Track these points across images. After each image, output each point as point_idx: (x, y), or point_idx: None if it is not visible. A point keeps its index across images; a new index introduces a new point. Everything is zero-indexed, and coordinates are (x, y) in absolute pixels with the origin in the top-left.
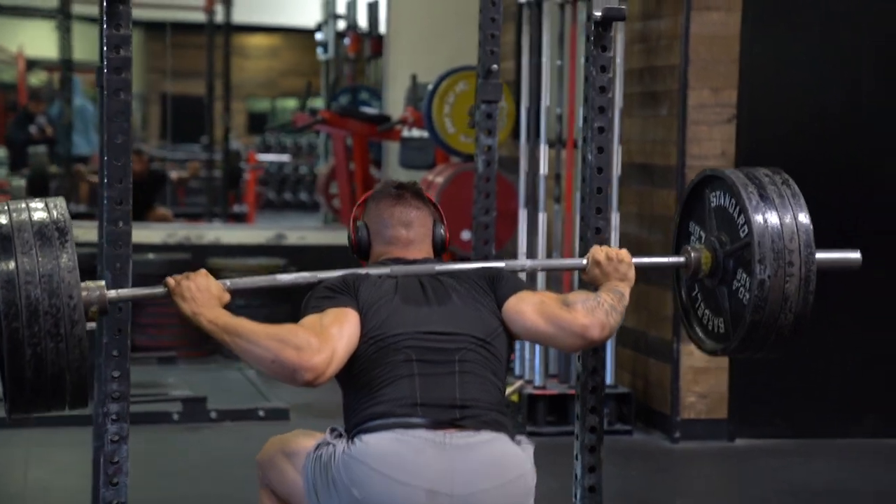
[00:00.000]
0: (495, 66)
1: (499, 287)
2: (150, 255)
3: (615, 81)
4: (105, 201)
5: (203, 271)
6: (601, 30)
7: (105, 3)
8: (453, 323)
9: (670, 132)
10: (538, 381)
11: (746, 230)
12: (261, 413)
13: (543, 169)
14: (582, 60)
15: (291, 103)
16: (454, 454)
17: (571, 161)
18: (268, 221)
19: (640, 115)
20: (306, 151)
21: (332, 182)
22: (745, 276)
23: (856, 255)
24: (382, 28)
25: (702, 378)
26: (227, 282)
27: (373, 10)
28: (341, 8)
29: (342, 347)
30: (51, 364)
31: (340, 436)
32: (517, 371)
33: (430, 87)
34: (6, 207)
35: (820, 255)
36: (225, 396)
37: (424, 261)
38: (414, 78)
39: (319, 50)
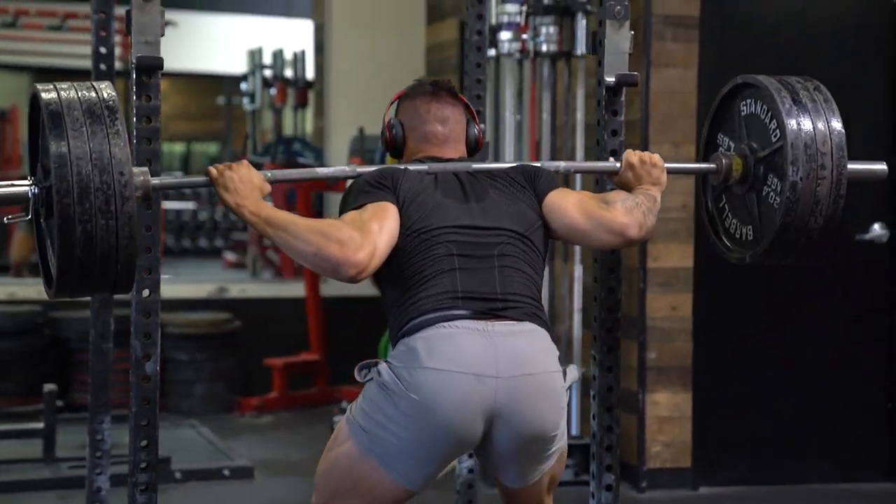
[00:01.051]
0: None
1: (538, 182)
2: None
3: (577, 134)
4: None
5: (245, 162)
6: (612, 95)
7: (136, 75)
8: (493, 217)
9: None
10: None
11: (779, 134)
12: (226, 472)
13: None
14: (544, 116)
15: (178, 148)
16: (497, 340)
17: None
18: (169, 269)
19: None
20: (206, 198)
21: None
22: (776, 180)
23: (882, 166)
24: (309, 76)
25: (666, 427)
26: (268, 173)
27: (299, 60)
28: (267, 58)
29: (383, 243)
30: (100, 242)
31: (375, 364)
32: None
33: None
34: (54, 86)
35: (849, 166)
36: (186, 455)
37: (460, 160)
38: (361, 130)
39: (245, 100)
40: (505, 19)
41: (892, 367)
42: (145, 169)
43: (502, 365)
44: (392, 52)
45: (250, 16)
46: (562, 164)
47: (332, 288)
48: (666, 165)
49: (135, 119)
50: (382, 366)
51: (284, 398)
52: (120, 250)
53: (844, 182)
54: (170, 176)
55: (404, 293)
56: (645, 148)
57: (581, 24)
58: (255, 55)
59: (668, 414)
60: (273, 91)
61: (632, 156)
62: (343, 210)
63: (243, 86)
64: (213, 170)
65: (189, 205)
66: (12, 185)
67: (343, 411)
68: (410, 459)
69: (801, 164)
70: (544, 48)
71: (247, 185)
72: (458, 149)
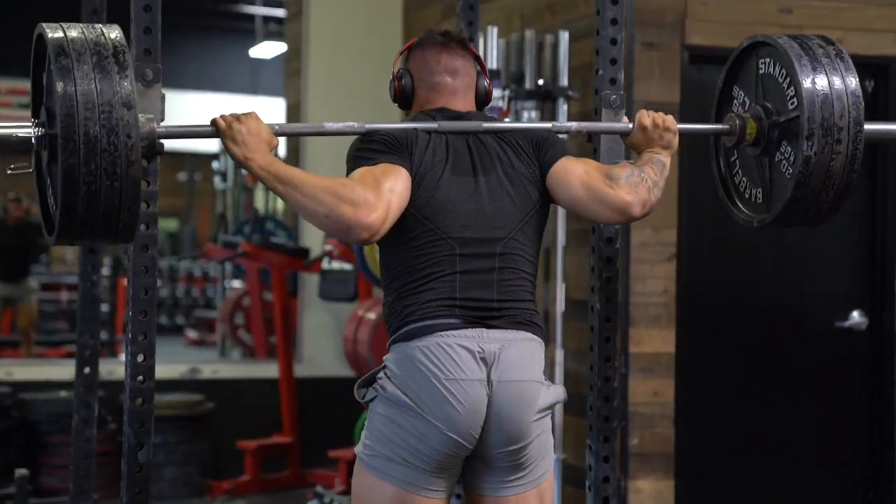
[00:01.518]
0: None
1: (544, 153)
2: (62, 393)
3: (558, 218)
4: (129, 356)
5: (254, 113)
6: None
7: None
8: (498, 206)
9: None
10: None
11: (796, 103)
12: None
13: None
14: None
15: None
16: (489, 347)
17: None
18: None
19: (580, 252)
20: (167, 274)
21: (237, 312)
22: (789, 149)
23: None
24: (281, 155)
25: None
26: (276, 125)
27: None
28: None
29: (395, 205)
30: (104, 201)
31: (374, 381)
32: None
33: None
34: (62, 28)
35: (868, 127)
36: None
37: (469, 115)
38: None
39: (217, 178)
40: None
41: (871, 457)
42: (151, 116)
43: (495, 370)
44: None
45: (214, 93)
46: (573, 125)
47: (306, 369)
48: (679, 127)
49: None
50: (385, 382)
51: (257, 481)
52: (122, 210)
53: (860, 156)
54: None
55: (403, 287)
56: (627, 231)
57: (562, 108)
58: None
59: (651, 501)
60: (245, 170)
61: (645, 117)
62: (353, 164)
63: (215, 164)
64: (220, 120)
65: None
66: (14, 128)
67: (318, 495)
68: (426, 465)
69: (816, 138)
70: None
71: (255, 137)
72: (468, 100)
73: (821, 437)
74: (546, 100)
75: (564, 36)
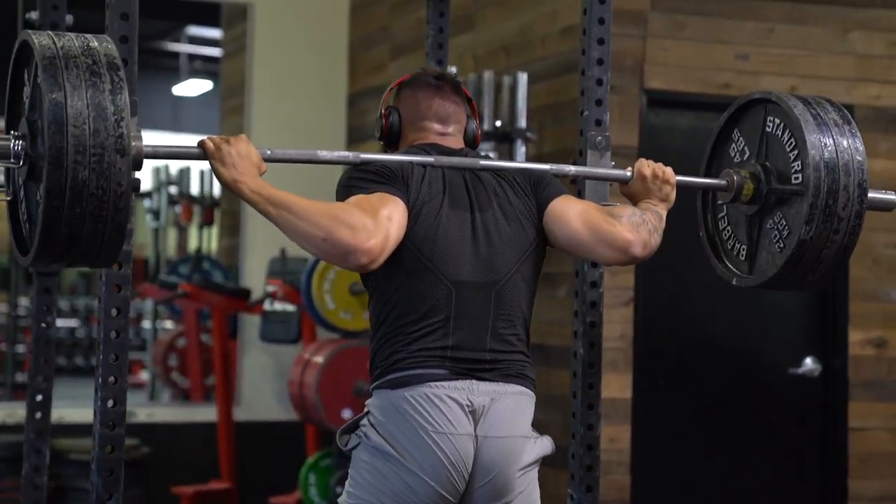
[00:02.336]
0: None
1: (542, 190)
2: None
3: None
4: (98, 402)
5: (243, 136)
6: None
7: None
8: (496, 246)
9: (567, 313)
10: None
11: (800, 178)
12: None
13: None
14: None
15: None
16: (478, 400)
17: None
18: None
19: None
20: (83, 314)
21: (170, 353)
22: (784, 221)
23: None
24: (216, 194)
25: None
26: (267, 151)
27: (206, 177)
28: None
29: (394, 234)
30: (85, 242)
31: (356, 427)
32: None
33: (309, 263)
34: (53, 42)
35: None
36: None
37: (464, 152)
38: (283, 251)
39: (149, 217)
40: None
41: (825, 502)
42: (138, 133)
43: (482, 425)
44: (312, 171)
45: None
46: (572, 169)
47: (245, 412)
48: (677, 179)
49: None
50: (369, 430)
51: None
52: (104, 250)
53: (853, 246)
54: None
55: (396, 329)
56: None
57: (521, 150)
58: (160, 172)
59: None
60: (178, 209)
61: (645, 167)
62: (346, 193)
63: (147, 203)
64: (208, 142)
65: (70, 322)
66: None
67: None
68: None
69: (815, 224)
70: None
71: (245, 160)
72: (457, 141)
73: (776, 484)
74: (503, 141)
75: (523, 77)
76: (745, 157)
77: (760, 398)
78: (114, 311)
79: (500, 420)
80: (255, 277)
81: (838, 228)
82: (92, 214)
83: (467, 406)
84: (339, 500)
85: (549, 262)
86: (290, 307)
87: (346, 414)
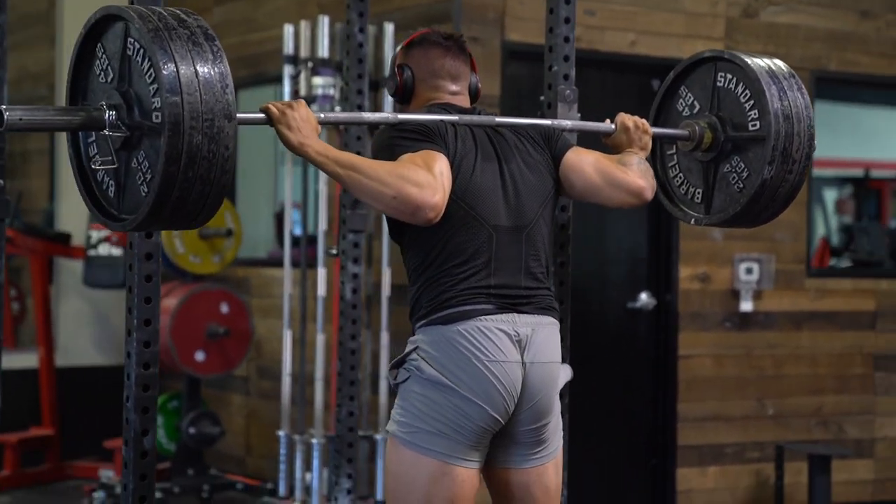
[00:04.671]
0: None
1: (555, 143)
2: None
3: None
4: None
5: (302, 101)
6: None
7: None
8: (523, 193)
9: None
10: (315, 500)
11: (758, 126)
12: None
13: (322, 290)
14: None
15: None
16: (522, 330)
17: (338, 282)
18: None
19: None
20: None
21: None
22: (742, 164)
23: None
24: None
25: None
26: (321, 115)
27: None
28: None
29: (448, 187)
30: (191, 204)
31: (405, 361)
32: (297, 494)
33: None
34: (164, 35)
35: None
36: None
37: (478, 110)
38: None
39: None
40: (320, 92)
41: (656, 426)
42: None
43: (528, 352)
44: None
45: None
46: (568, 124)
47: (62, 358)
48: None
49: None
50: (420, 363)
51: (18, 476)
52: (206, 210)
53: (801, 185)
54: None
55: (441, 270)
56: None
57: (388, 99)
58: None
59: None
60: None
61: (627, 119)
62: (390, 152)
63: None
64: (273, 108)
65: None
66: (87, 115)
67: (104, 486)
68: (467, 440)
69: (776, 164)
70: None
71: (307, 124)
72: (467, 99)
73: (614, 408)
74: (375, 90)
75: (389, 27)
76: (694, 111)
77: (601, 330)
78: (145, 256)
79: (542, 347)
80: (69, 223)
81: (792, 169)
82: (201, 178)
83: (514, 336)
84: (389, 429)
85: None
86: (116, 251)
87: (200, 356)
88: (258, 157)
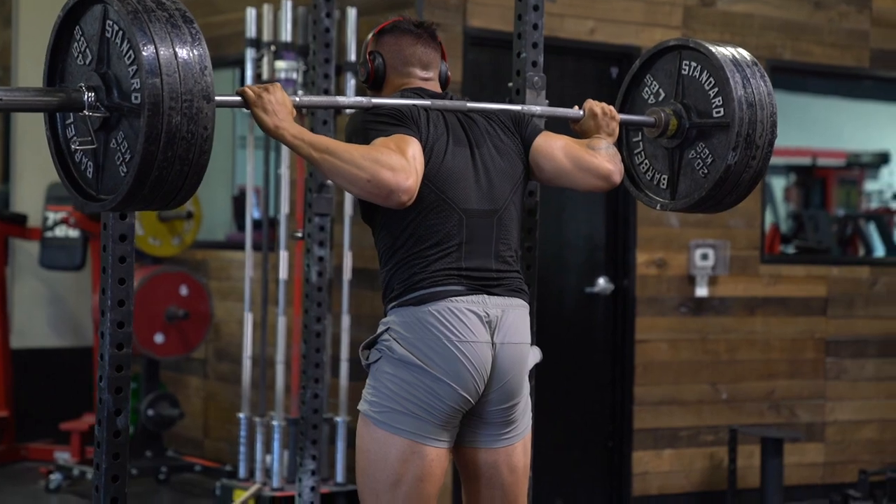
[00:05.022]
0: (329, 182)
1: (524, 128)
2: None
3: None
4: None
5: (278, 85)
6: None
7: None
8: (494, 177)
9: None
10: (276, 482)
11: (722, 112)
12: None
13: (283, 273)
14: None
15: None
16: (492, 311)
17: (300, 265)
18: None
19: (361, 222)
20: None
21: None
22: (706, 151)
23: None
24: None
25: None
26: (296, 98)
27: None
28: None
29: (420, 171)
30: (170, 184)
31: (379, 340)
32: (256, 476)
33: None
34: (143, 17)
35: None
36: None
37: (448, 95)
38: None
39: None
40: (282, 75)
41: (613, 408)
42: None
43: (498, 333)
44: None
45: None
46: (537, 109)
47: (18, 340)
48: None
49: None
50: (392, 343)
51: None
52: (183, 191)
53: (765, 171)
54: None
55: (413, 253)
56: None
57: (350, 83)
58: None
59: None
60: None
61: (594, 105)
62: (364, 136)
63: None
64: (249, 91)
65: None
66: (66, 96)
67: (62, 468)
68: (437, 419)
69: (740, 150)
70: None
71: (283, 108)
72: (437, 86)
73: (572, 390)
74: (337, 74)
75: (352, 12)
76: (660, 99)
77: (559, 315)
78: (119, 237)
79: (512, 328)
80: (24, 204)
81: (755, 155)
82: (180, 158)
83: (484, 317)
84: (361, 408)
85: None
86: (73, 233)
87: (159, 338)
88: (215, 141)
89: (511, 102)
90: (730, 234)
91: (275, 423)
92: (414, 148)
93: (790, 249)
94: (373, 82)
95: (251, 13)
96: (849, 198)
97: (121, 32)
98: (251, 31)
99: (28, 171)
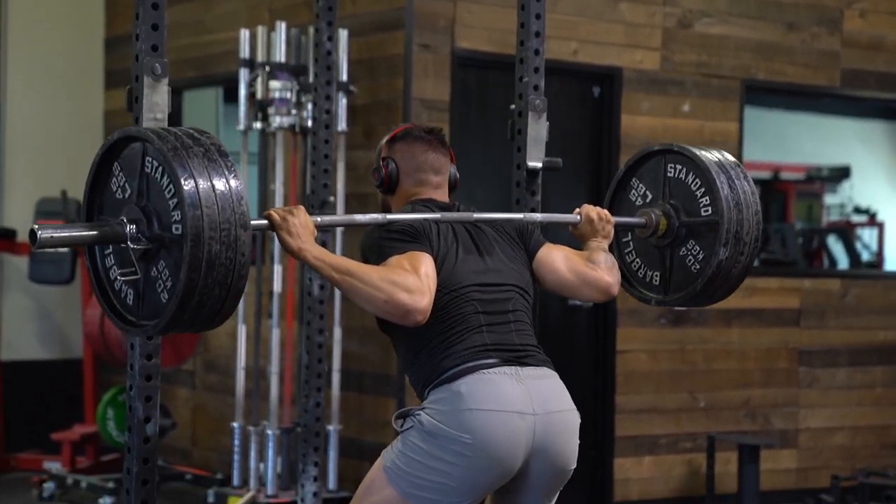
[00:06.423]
0: (331, 199)
1: (528, 240)
2: None
3: (338, 201)
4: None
5: (301, 207)
6: (531, 177)
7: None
8: (503, 275)
9: None
10: (270, 489)
11: (711, 211)
12: None
13: (277, 286)
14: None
15: None
16: (528, 382)
17: (293, 278)
18: None
19: (356, 235)
20: None
21: None
22: (697, 247)
23: None
24: None
25: None
26: (318, 218)
27: None
28: None
29: (433, 288)
30: (209, 308)
31: (410, 413)
32: (251, 484)
33: None
34: (182, 154)
35: None
36: None
37: (456, 206)
38: (64, 193)
39: None
40: (276, 95)
41: (594, 418)
42: None
43: (536, 403)
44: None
45: None
46: (538, 217)
47: (10, 352)
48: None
49: None
50: (423, 416)
51: None
52: (221, 315)
53: (752, 265)
54: None
55: (436, 345)
56: None
57: (342, 102)
58: None
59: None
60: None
61: (591, 211)
62: (379, 253)
63: None
64: (275, 215)
65: None
66: (110, 229)
67: (55, 477)
68: (459, 495)
69: (730, 246)
70: (310, 124)
71: (306, 230)
72: (446, 191)
73: None
74: None
75: (343, 33)
76: (647, 200)
77: (542, 326)
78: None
79: (552, 397)
80: (13, 218)
81: (743, 251)
82: (220, 283)
83: (521, 388)
84: (384, 458)
85: (367, 207)
86: (62, 248)
87: None
88: None
89: (512, 125)
90: None
91: (269, 431)
92: (427, 265)
93: (754, 263)
94: (387, 187)
95: (245, 34)
96: (810, 211)
97: (161, 168)
98: (245, 52)
99: (18, 185)
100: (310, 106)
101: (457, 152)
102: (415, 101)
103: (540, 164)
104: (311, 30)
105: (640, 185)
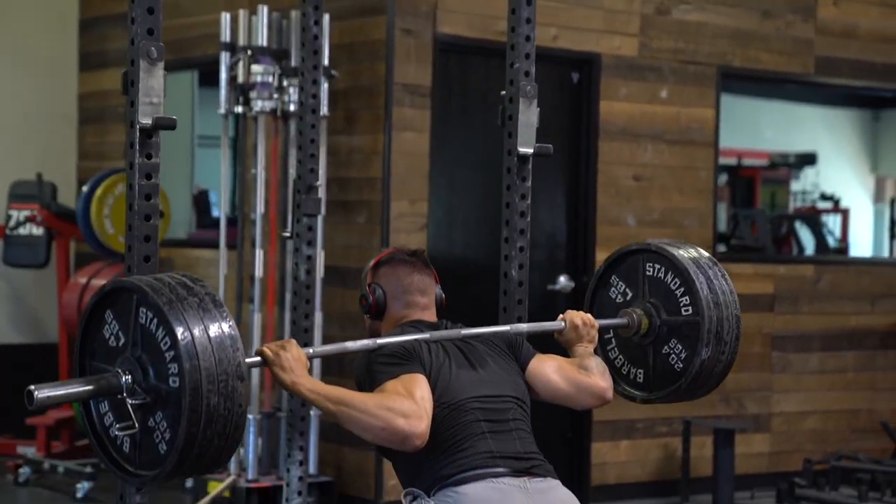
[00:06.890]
0: (318, 183)
1: (519, 352)
2: None
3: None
4: None
5: (293, 341)
6: (522, 163)
7: (139, 135)
8: (499, 386)
9: (370, 238)
10: (251, 474)
11: (691, 311)
12: None
13: (258, 271)
14: (291, 171)
15: None
16: (536, 496)
17: (274, 263)
18: None
19: (336, 221)
20: None
21: None
22: (679, 346)
23: None
24: None
25: None
26: (309, 350)
27: None
28: None
29: (430, 409)
30: (208, 458)
31: (420, 497)
32: (231, 468)
33: (87, 188)
34: (177, 306)
35: None
36: None
37: (444, 324)
38: (40, 176)
39: None
40: (258, 79)
41: None
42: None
43: None
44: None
45: None
46: (524, 327)
47: None
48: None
49: (136, 176)
50: None
51: None
52: (218, 462)
53: (733, 363)
54: None
55: (438, 455)
56: (388, 204)
57: (324, 87)
58: None
59: None
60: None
61: (575, 317)
62: (372, 378)
63: None
64: (268, 351)
65: None
66: (106, 382)
67: (21, 464)
68: None
69: (711, 346)
70: (292, 108)
71: (298, 363)
72: (434, 311)
73: None
74: None
75: (325, 17)
76: (627, 298)
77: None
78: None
79: None
80: None
81: (724, 350)
82: (218, 434)
83: (529, 501)
84: None
85: (343, 191)
86: (37, 231)
87: None
88: (174, 140)
89: (503, 111)
90: (684, 234)
91: (250, 416)
92: (422, 388)
93: (722, 248)
94: (375, 313)
95: (226, 17)
96: (774, 197)
97: (155, 319)
98: (226, 35)
99: None
100: (291, 90)
101: (437, 137)
102: (396, 85)
103: (531, 150)
104: (294, 14)
105: (620, 282)
